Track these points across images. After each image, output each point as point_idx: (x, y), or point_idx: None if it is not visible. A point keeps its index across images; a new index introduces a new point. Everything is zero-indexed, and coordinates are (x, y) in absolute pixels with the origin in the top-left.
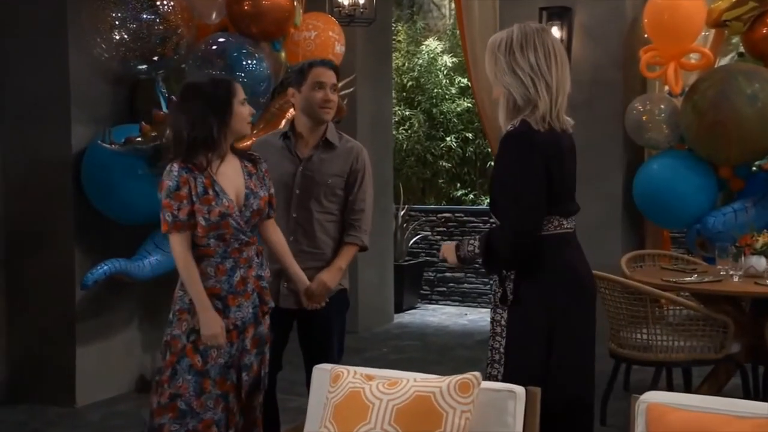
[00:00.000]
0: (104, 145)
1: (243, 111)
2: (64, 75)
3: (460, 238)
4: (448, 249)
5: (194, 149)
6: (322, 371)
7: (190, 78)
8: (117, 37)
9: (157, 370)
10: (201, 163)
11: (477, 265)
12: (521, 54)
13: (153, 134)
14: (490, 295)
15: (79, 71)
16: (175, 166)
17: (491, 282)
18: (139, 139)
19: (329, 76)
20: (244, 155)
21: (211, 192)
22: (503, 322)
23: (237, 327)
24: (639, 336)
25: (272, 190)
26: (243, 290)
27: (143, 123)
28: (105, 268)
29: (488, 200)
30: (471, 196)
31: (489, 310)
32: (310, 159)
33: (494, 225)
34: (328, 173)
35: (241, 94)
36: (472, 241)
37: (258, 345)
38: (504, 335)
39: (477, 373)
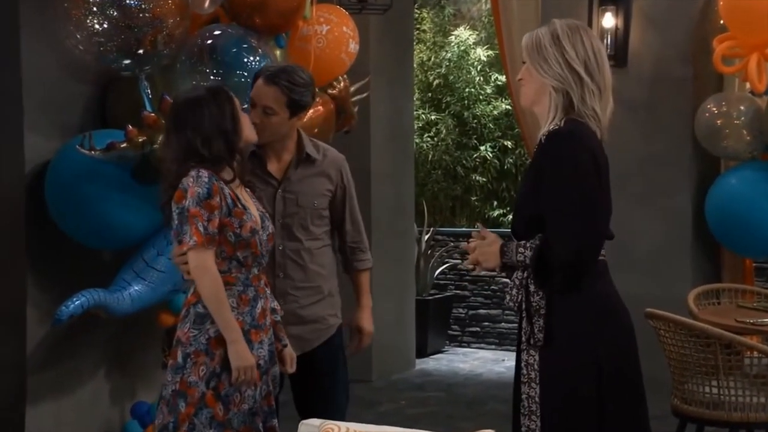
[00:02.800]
0: (83, 151)
1: (245, 116)
2: (15, 72)
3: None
4: (489, 252)
5: (217, 163)
6: (309, 427)
7: (175, 96)
8: (94, 27)
9: (163, 426)
10: (226, 177)
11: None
12: (571, 46)
13: (141, 140)
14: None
15: (36, 67)
16: (205, 173)
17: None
18: (125, 145)
19: (259, 96)
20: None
21: (239, 205)
22: (536, 366)
23: (260, 366)
24: (708, 390)
25: None
26: (263, 324)
27: (130, 126)
28: (83, 299)
29: (512, 217)
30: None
31: (524, 351)
32: (288, 179)
33: (546, 237)
34: (312, 194)
35: (236, 99)
36: (522, 250)
37: (275, 387)
38: (538, 381)
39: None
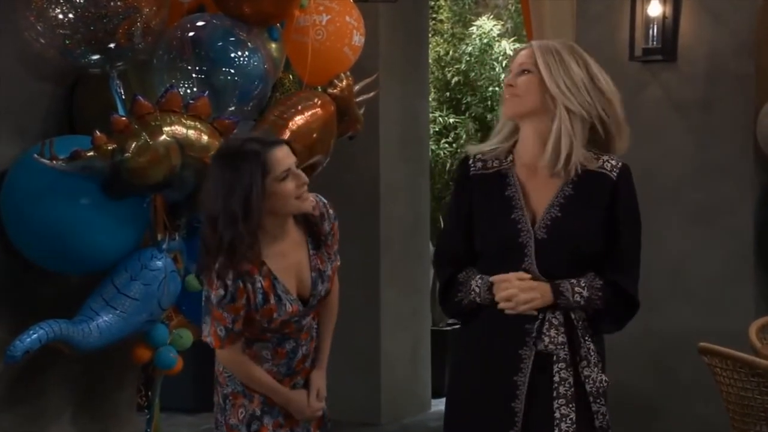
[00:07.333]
0: (42, 160)
1: (284, 188)
2: None
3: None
4: (537, 287)
5: (229, 253)
6: None
7: (223, 142)
8: (58, 16)
9: None
10: (253, 263)
11: None
12: (600, 74)
13: (111, 148)
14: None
15: None
16: (229, 276)
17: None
18: (92, 153)
19: None
20: (307, 219)
21: (272, 299)
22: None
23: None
24: None
25: (337, 257)
26: (302, 368)
27: (98, 132)
28: (40, 332)
29: (546, 251)
30: None
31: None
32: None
33: (614, 279)
34: None
35: (280, 166)
36: (578, 290)
37: (320, 428)
38: None
39: None
